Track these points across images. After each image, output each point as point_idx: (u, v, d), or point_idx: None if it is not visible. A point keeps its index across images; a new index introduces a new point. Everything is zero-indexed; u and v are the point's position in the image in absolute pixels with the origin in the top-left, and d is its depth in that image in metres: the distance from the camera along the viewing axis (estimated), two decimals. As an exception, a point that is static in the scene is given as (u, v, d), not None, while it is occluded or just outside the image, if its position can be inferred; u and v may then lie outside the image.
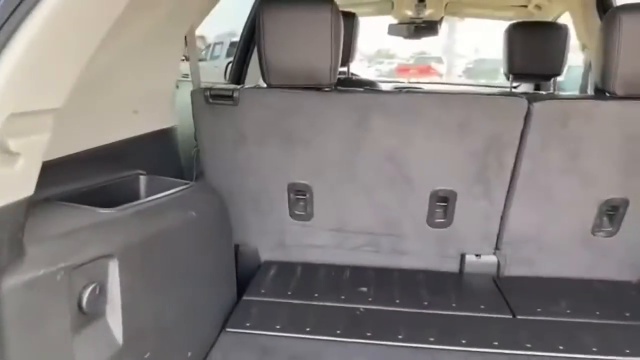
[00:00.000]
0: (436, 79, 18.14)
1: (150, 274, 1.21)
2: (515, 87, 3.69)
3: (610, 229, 1.88)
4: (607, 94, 1.68)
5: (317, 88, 1.76)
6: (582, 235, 1.91)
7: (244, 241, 2.08)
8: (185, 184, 1.58)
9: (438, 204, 1.93)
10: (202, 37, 3.00)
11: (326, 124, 1.80)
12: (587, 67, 3.26)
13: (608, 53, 1.63)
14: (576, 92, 3.47)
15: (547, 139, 1.73)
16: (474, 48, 22.96)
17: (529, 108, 1.69)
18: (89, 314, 1.01)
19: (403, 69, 19.32)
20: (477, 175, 1.83)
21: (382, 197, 1.93)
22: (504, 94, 1.79)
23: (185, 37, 1.84)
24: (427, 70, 19.07)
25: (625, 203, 1.82)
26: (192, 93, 1.83)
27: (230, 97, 1.77)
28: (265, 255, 2.11)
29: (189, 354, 1.42)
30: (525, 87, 3.82)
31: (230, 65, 3.19)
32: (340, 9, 2.91)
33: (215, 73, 3.84)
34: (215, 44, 5.39)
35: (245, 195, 1.97)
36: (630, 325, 1.68)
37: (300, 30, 1.69)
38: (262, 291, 1.87)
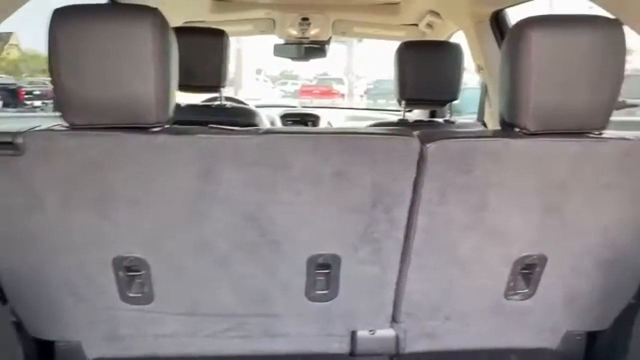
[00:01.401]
0: (339, 100, 18.32)
1: None
2: (409, 111, 3.40)
3: (526, 290, 1.54)
4: (517, 130, 1.33)
5: (142, 128, 1.27)
6: (494, 299, 1.55)
7: (62, 336, 1.53)
8: None
9: (318, 272, 1.49)
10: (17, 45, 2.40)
11: (157, 177, 1.31)
12: (484, 91, 3.04)
13: (516, 80, 1.29)
14: (474, 117, 3.24)
15: (445, 187, 1.35)
16: (373, 69, 23.64)
17: (422, 150, 1.30)
18: None
19: (307, 90, 19.56)
20: (364, 235, 1.42)
21: (245, 268, 1.46)
22: (391, 131, 1.38)
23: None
24: (329, 92, 19.28)
25: (543, 260, 1.48)
26: None
27: (10, 143, 1.22)
28: (92, 353, 1.56)
29: None
30: (420, 113, 3.56)
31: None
32: (212, 26, 2.35)
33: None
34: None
35: (55, 277, 1.42)
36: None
37: (109, 49, 1.20)
38: None
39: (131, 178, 1.31)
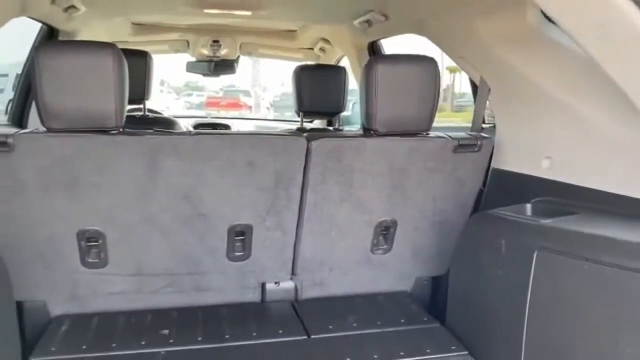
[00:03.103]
0: (246, 112, 18.60)
1: None
2: (310, 122, 4.03)
3: (385, 246, 2.16)
4: (372, 132, 1.94)
5: (103, 131, 1.73)
6: (363, 254, 2.15)
7: (29, 296, 1.92)
8: None
9: (236, 238, 2.01)
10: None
11: (115, 167, 1.77)
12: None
13: (368, 98, 1.90)
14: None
15: (325, 172, 1.93)
16: (280, 82, 24.03)
17: (308, 146, 1.88)
18: None
19: (213, 102, 19.40)
20: (269, 208, 1.96)
21: (180, 236, 1.94)
22: (287, 133, 1.95)
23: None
24: (236, 104, 19.41)
25: (394, 224, 2.11)
26: None
27: (5, 143, 1.64)
28: (56, 310, 1.97)
29: None
30: (318, 122, 4.18)
31: (11, 104, 2.92)
32: (133, 47, 2.89)
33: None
34: (-2, 76, 4.84)
35: (28, 247, 1.82)
36: (404, 330, 1.95)
37: (80, 75, 1.65)
38: (52, 349, 1.74)
39: (94, 168, 1.76)
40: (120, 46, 1.76)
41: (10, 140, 1.64)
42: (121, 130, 1.76)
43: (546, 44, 1.77)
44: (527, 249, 1.55)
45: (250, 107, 20.35)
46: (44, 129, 1.70)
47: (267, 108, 20.86)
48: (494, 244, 1.72)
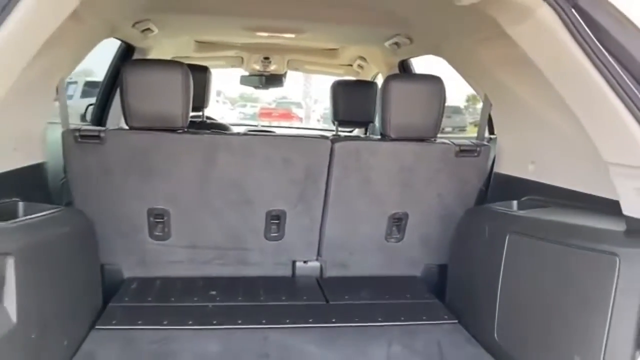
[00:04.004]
0: (297, 124, 19.16)
1: (35, 273, 1.55)
2: (350, 131, 4.47)
3: (398, 236, 2.54)
4: (386, 137, 2.35)
5: (172, 130, 2.21)
6: (379, 241, 2.54)
7: (108, 261, 2.41)
8: (57, 208, 1.92)
9: (272, 221, 2.45)
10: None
11: (180, 159, 2.25)
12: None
13: (385, 109, 2.31)
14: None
15: (346, 169, 2.35)
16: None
17: (332, 147, 2.30)
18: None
19: (266, 113, 19.92)
20: (300, 197, 2.40)
21: (229, 217, 2.41)
22: (316, 136, 2.39)
23: (57, 87, 2.19)
24: (288, 115, 19.94)
25: (406, 216, 2.49)
26: (63, 134, 2.16)
27: (98, 137, 2.15)
28: (128, 273, 2.46)
29: (65, 342, 1.75)
30: (357, 132, 4.60)
31: (92, 107, 3.50)
32: (195, 62, 3.46)
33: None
34: (69, 83, 5.52)
35: (110, 220, 2.32)
36: (407, 302, 2.33)
37: (157, 86, 2.14)
38: (126, 299, 2.23)
39: (164, 159, 2.24)
40: (185, 61, 2.25)
41: (102, 134, 2.16)
42: (185, 130, 2.24)
43: (532, 68, 2.13)
44: (502, 233, 1.91)
45: (301, 119, 20.87)
46: (126, 127, 2.20)
47: (318, 120, 21.35)
48: (480, 231, 2.08)
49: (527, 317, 1.76)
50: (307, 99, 23.19)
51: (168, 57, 3.91)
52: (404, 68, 3.68)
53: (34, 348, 1.53)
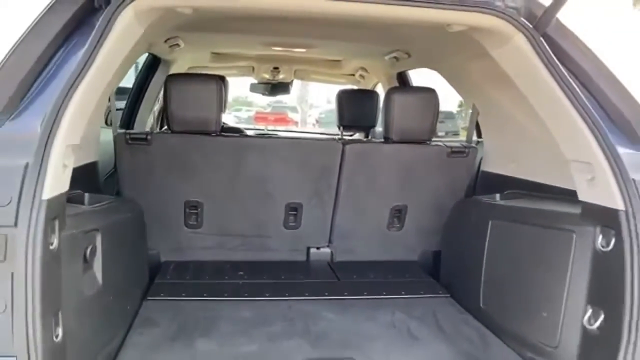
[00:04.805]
0: (293, 127, 19.46)
1: (112, 248, 1.93)
2: (351, 135, 4.87)
3: (398, 225, 2.94)
4: (389, 140, 2.74)
5: (207, 133, 2.60)
6: (381, 230, 2.94)
7: (148, 246, 2.78)
8: (114, 198, 2.30)
9: (290, 212, 2.84)
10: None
11: (213, 158, 2.64)
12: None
13: (388, 116, 2.71)
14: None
15: (355, 168, 2.74)
16: (326, 99, 24.73)
17: (343, 148, 2.70)
18: (88, 263, 1.72)
19: (262, 117, 20.11)
20: (314, 192, 2.79)
21: (253, 209, 2.79)
22: (331, 139, 2.79)
23: (109, 97, 2.57)
24: (284, 120, 20.20)
25: (405, 208, 2.89)
26: (116, 137, 2.55)
27: (145, 139, 2.53)
28: (165, 257, 2.84)
29: (128, 307, 2.13)
30: (357, 136, 5.00)
31: (122, 111, 3.89)
32: (210, 71, 3.89)
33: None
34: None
35: (152, 210, 2.70)
36: (406, 281, 2.73)
37: (196, 95, 2.53)
38: (168, 277, 2.61)
39: (199, 158, 2.63)
40: (200, 70, 2.61)
41: (149, 137, 2.54)
42: (218, 133, 2.63)
43: (512, 82, 2.53)
44: (485, 219, 2.32)
45: (296, 123, 21.15)
46: (169, 131, 2.59)
47: (313, 124, 21.68)
48: (468, 219, 2.49)
49: (506, 287, 2.17)
50: (302, 104, 23.53)
51: (186, 67, 4.31)
52: (402, 78, 4.09)
53: (109, 308, 1.91)
